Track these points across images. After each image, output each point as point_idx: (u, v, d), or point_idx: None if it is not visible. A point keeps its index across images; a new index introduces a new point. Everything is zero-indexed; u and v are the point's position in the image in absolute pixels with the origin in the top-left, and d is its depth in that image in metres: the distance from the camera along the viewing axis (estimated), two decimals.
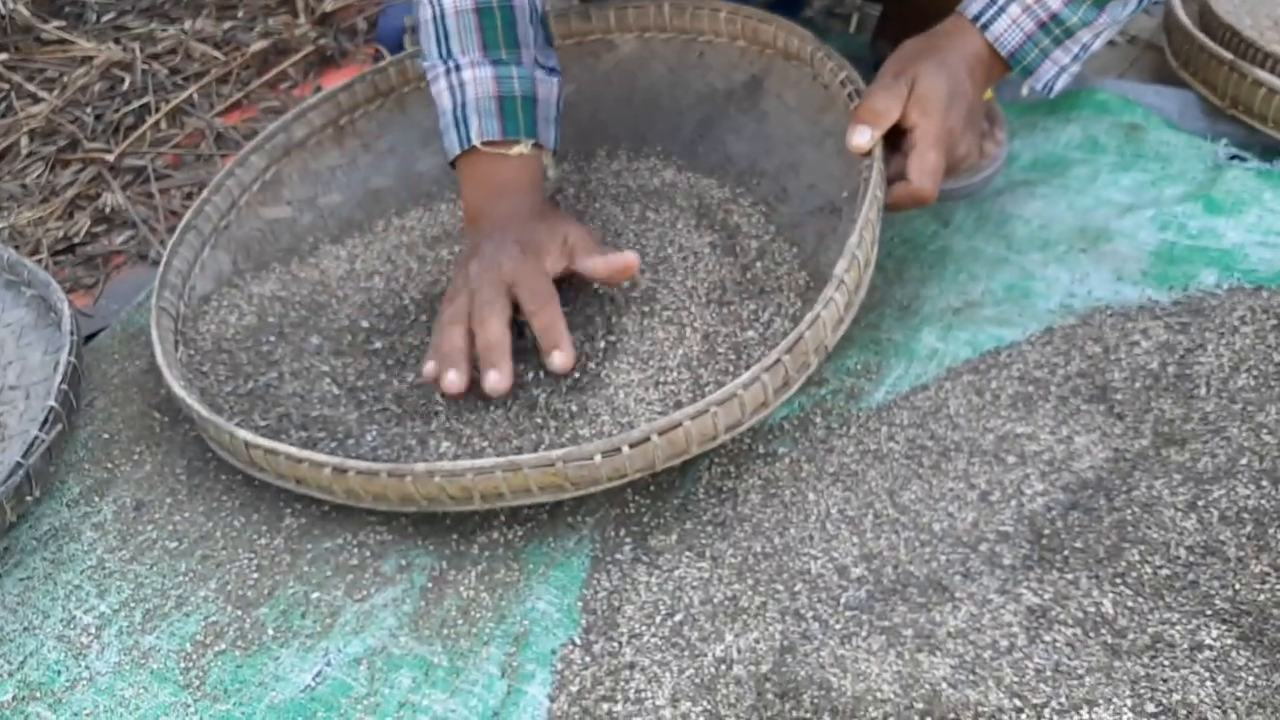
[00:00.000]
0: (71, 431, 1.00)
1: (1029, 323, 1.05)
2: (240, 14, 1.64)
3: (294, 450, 0.88)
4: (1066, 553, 0.82)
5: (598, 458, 0.83)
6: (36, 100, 1.46)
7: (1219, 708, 0.69)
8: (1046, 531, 0.84)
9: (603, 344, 1.02)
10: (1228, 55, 1.27)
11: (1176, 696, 0.70)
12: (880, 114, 0.99)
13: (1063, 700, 0.70)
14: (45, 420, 0.94)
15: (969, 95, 1.02)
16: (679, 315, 1.04)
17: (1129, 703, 0.69)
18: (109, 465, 1.00)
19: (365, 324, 1.10)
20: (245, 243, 1.18)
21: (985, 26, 1.01)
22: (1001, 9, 1.01)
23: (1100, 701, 0.69)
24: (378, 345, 1.07)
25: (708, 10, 1.22)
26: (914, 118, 0.99)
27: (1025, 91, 1.07)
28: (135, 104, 1.47)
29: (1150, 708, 0.69)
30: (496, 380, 0.92)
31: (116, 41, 1.56)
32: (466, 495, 0.85)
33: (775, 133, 1.18)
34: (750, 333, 1.01)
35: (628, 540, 0.89)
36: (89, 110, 1.45)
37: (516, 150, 1.04)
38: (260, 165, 1.20)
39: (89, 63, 1.50)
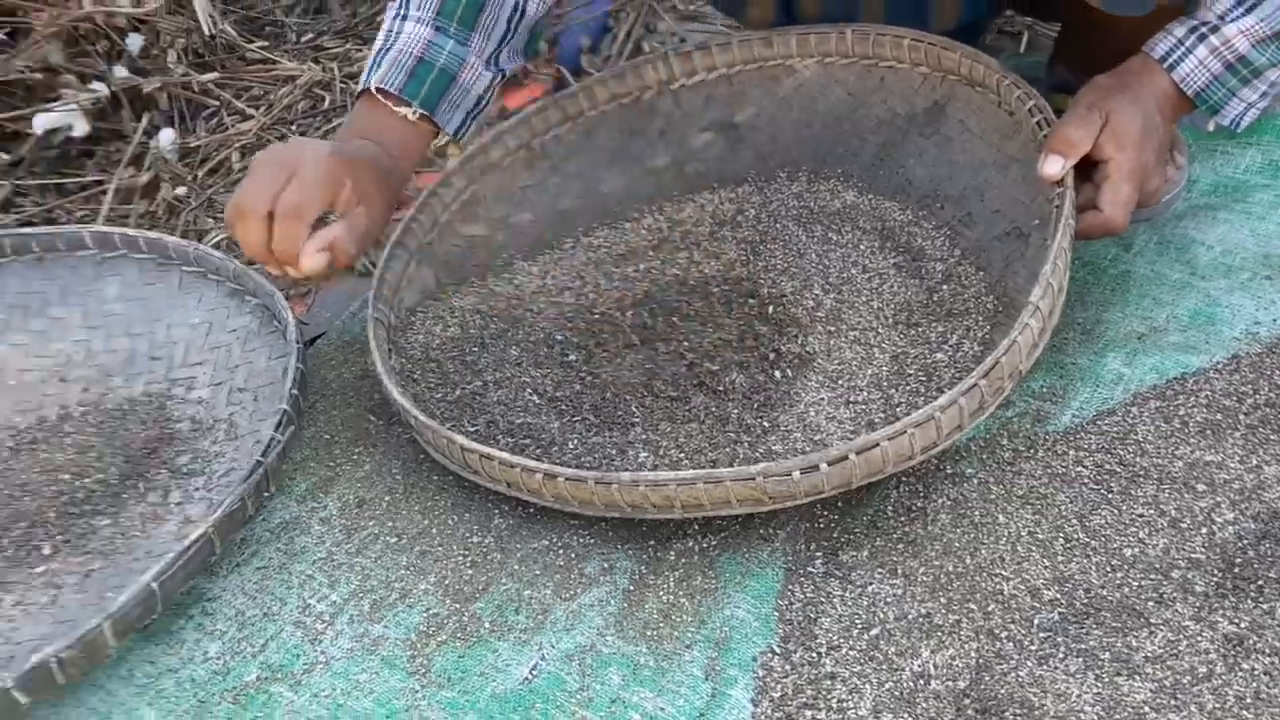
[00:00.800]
0: (298, 432, 1.08)
1: (1215, 350, 1.06)
2: None
3: (507, 456, 0.94)
4: (1260, 582, 0.84)
5: (796, 474, 0.87)
6: (245, 117, 1.56)
7: None
8: (1239, 560, 0.86)
9: (791, 362, 1.06)
10: None
11: None
12: (1074, 144, 1.02)
13: None
14: (279, 422, 1.02)
15: (1160, 131, 1.05)
16: (866, 336, 1.08)
17: None
18: (331, 464, 1.08)
19: (559, 337, 1.16)
20: (446, 259, 1.25)
21: (1172, 67, 1.04)
22: (1188, 50, 1.03)
23: None
24: (572, 358, 1.13)
25: (890, 37, 1.25)
26: (1109, 151, 1.03)
27: (1211, 127, 1.08)
28: (335, 122, 1.56)
29: None
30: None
31: (316, 61, 1.66)
32: (668, 504, 0.90)
33: (959, 158, 1.20)
34: (940, 355, 1.04)
35: (819, 554, 0.93)
36: (294, 127, 1.55)
37: (403, 110, 1.05)
38: (460, 185, 1.27)
39: (293, 82, 1.59)
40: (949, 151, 1.21)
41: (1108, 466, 0.96)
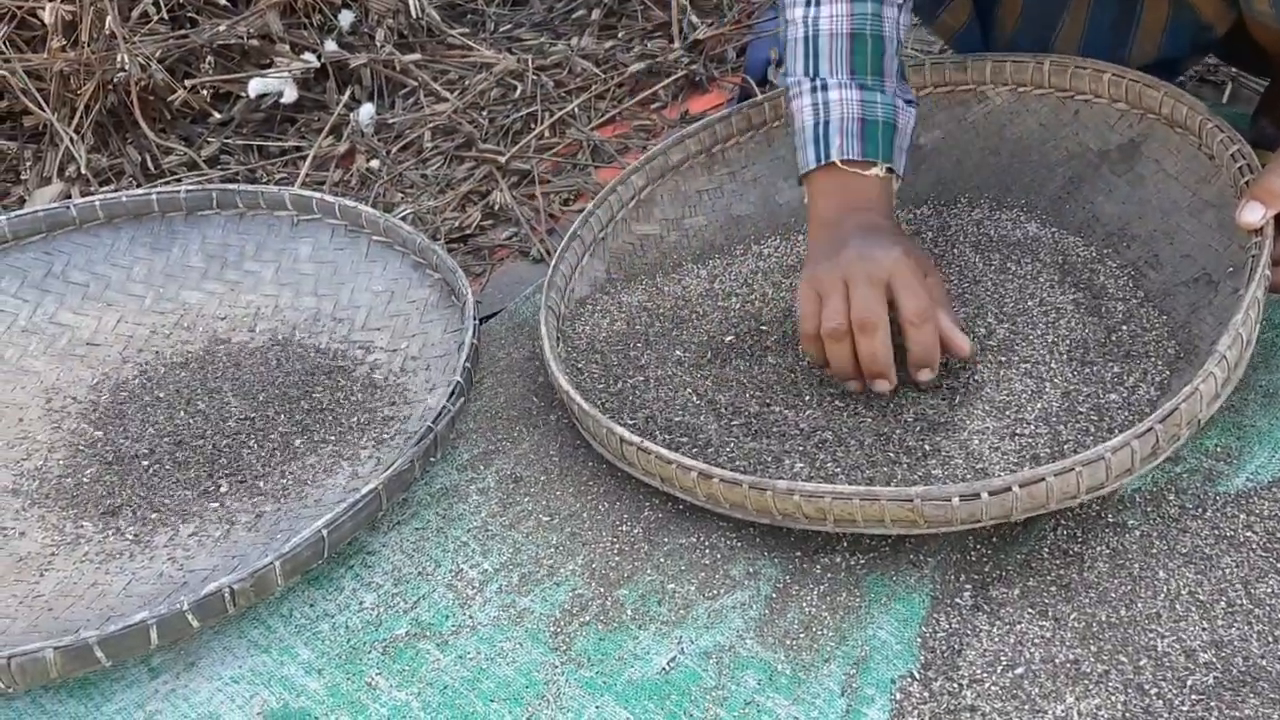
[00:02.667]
0: (466, 405, 1.12)
1: None
2: (620, 34, 1.76)
3: (664, 451, 0.96)
4: None
5: (956, 500, 0.87)
6: (440, 99, 1.62)
7: None
8: None
9: (959, 389, 1.06)
10: None
11: None
12: (1277, 194, 0.99)
13: None
14: (451, 392, 1.06)
15: None
16: (1038, 369, 1.06)
17: None
18: (493, 438, 1.12)
19: (727, 339, 1.17)
20: (618, 254, 1.28)
21: None
22: None
23: None
24: (735, 363, 1.15)
25: (1090, 70, 1.23)
26: None
27: None
28: (524, 111, 1.61)
29: None
30: (885, 387, 1.01)
31: (511, 51, 1.71)
32: (820, 516, 0.91)
33: (1151, 198, 1.18)
34: (1114, 395, 1.02)
35: (968, 586, 0.92)
36: (485, 113, 1.60)
37: (873, 171, 1.09)
38: (639, 184, 1.30)
39: (488, 70, 1.65)
40: (1141, 191, 1.18)
41: (1279, 535, 0.93)
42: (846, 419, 1.05)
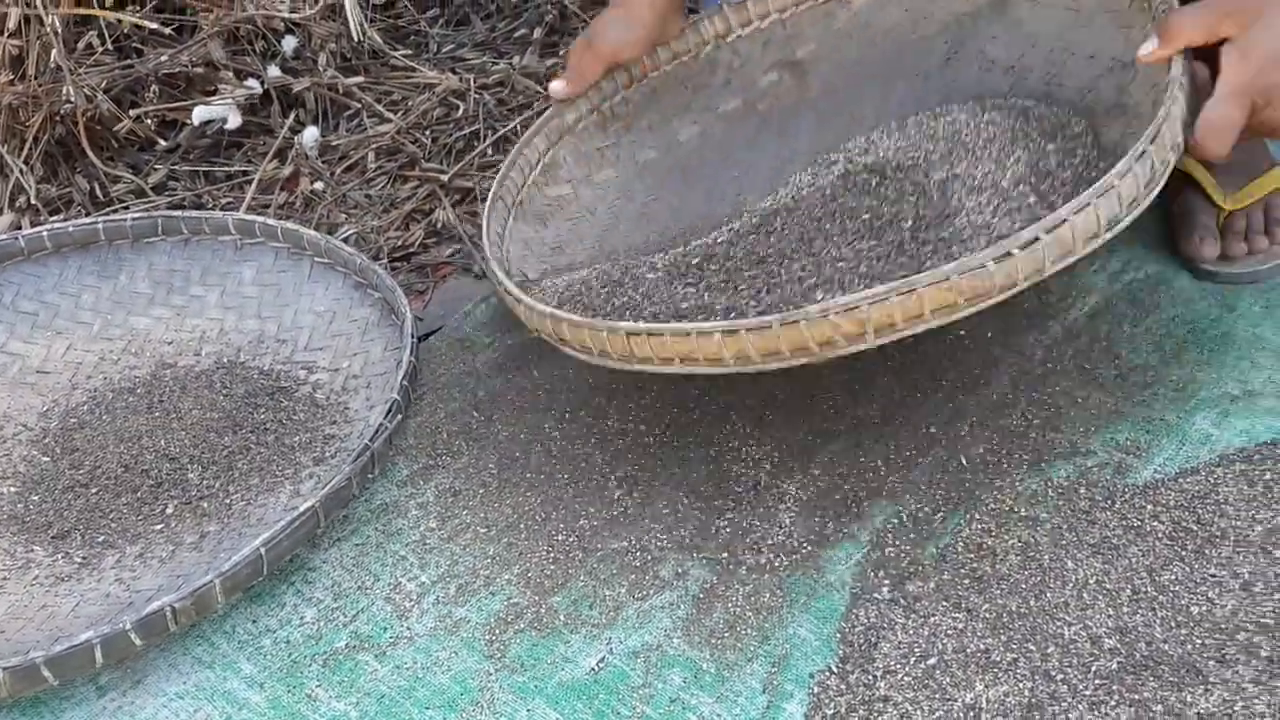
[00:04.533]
0: (405, 421, 1.15)
1: None
2: (561, 53, 1.79)
3: (679, 325, 0.91)
4: None
5: (990, 264, 0.84)
6: (384, 120, 1.65)
7: None
8: None
9: (937, 185, 1.07)
10: None
11: None
12: (1174, 35, 0.95)
13: None
14: (389, 410, 1.09)
15: None
16: (1001, 153, 1.08)
17: None
18: (432, 453, 1.15)
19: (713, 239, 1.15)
20: (539, 213, 1.26)
21: None
22: None
23: None
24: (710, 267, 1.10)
25: None
26: (1229, 58, 0.93)
27: None
28: (466, 130, 1.64)
29: None
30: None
31: (454, 71, 1.75)
32: (859, 331, 0.86)
33: (1037, 29, 1.19)
34: (1080, 153, 1.04)
35: (886, 582, 0.96)
36: (427, 133, 1.63)
37: None
38: (541, 148, 1.28)
39: (431, 90, 1.68)
40: (1024, 29, 1.20)
41: (1184, 524, 0.97)
42: (855, 241, 1.04)
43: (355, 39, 1.68)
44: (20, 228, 1.55)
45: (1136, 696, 0.83)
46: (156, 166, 1.61)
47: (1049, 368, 1.15)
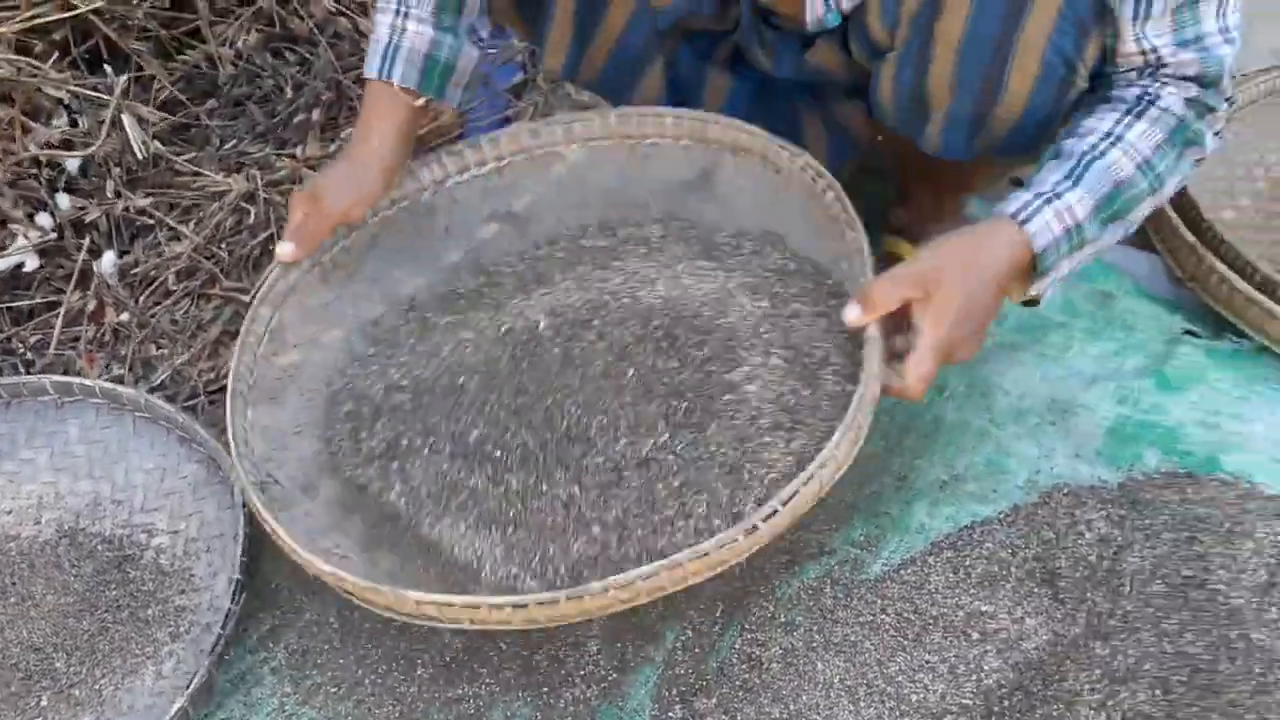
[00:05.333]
0: (247, 585, 1.29)
1: (1001, 500, 1.31)
2: (343, 133, 1.88)
3: (471, 599, 1.03)
4: None
5: (740, 538, 1.02)
6: (178, 237, 1.72)
7: None
8: (996, 709, 1.12)
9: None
10: (1190, 236, 1.50)
11: None
12: (875, 305, 1.12)
13: None
14: (233, 593, 1.24)
15: (986, 306, 1.15)
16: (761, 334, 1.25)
17: None
18: (277, 613, 1.30)
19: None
20: (274, 393, 1.30)
21: (1024, 222, 1.13)
22: (1037, 210, 1.13)
23: None
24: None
25: (651, 116, 1.39)
26: (924, 323, 1.12)
27: (1020, 297, 1.25)
28: (260, 237, 1.73)
29: None
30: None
31: (239, 169, 1.82)
32: (634, 597, 1.02)
33: (741, 207, 1.37)
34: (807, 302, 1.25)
35: (677, 700, 1.17)
36: (223, 245, 1.72)
37: (419, 101, 1.30)
38: (266, 315, 1.31)
39: (221, 198, 1.75)
40: (729, 206, 1.38)
41: (905, 615, 1.21)
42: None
43: (140, 156, 1.74)
44: None
45: None
46: None
47: None
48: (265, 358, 1.31)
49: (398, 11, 1.29)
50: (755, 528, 1.04)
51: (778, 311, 1.26)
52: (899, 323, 1.14)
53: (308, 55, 1.99)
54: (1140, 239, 1.59)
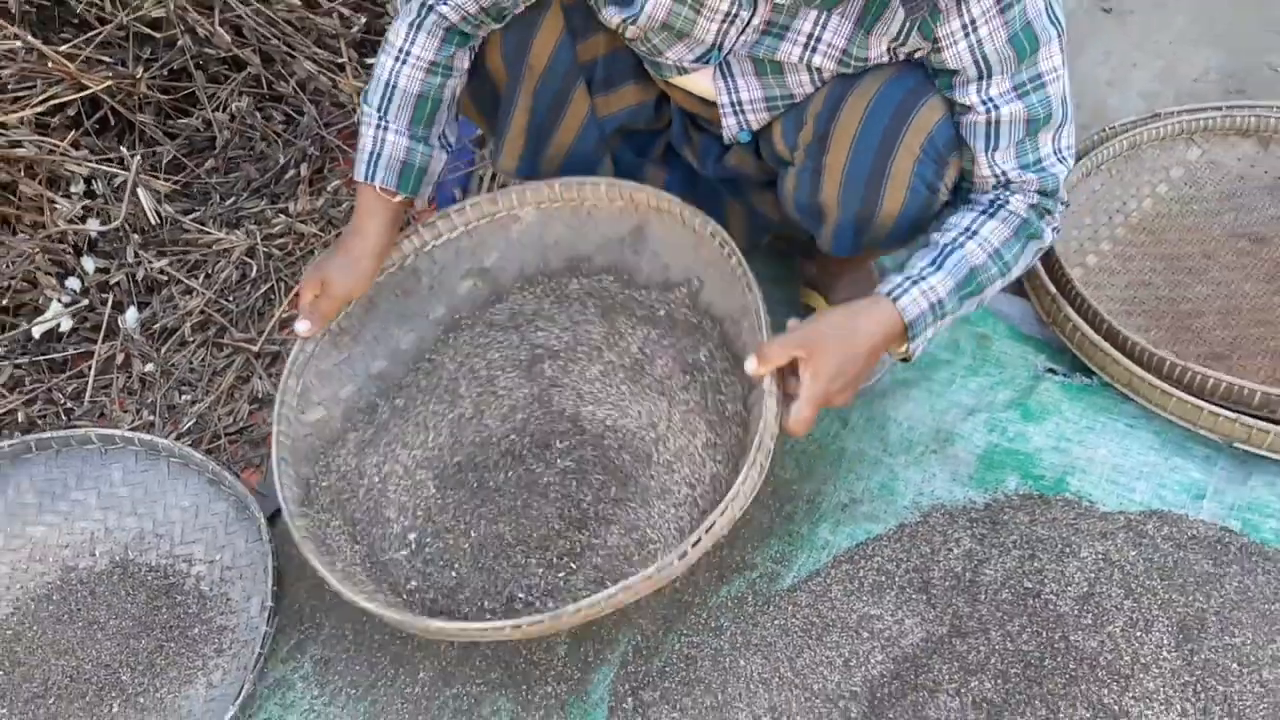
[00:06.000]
0: (278, 608, 1.57)
1: (890, 519, 1.61)
2: (328, 187, 2.14)
3: (481, 625, 1.35)
4: (892, 713, 1.41)
5: (676, 562, 1.31)
6: (190, 291, 1.98)
7: None
8: (878, 695, 1.43)
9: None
10: (1051, 287, 1.80)
11: None
12: (768, 360, 1.37)
13: None
14: (268, 616, 1.52)
15: (857, 366, 1.40)
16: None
17: None
18: (301, 629, 1.58)
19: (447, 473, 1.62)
20: (306, 452, 1.58)
21: (896, 299, 1.39)
22: (906, 290, 1.41)
23: None
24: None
25: (589, 185, 1.67)
26: (805, 378, 1.36)
27: (891, 359, 1.56)
28: (263, 288, 1.99)
29: None
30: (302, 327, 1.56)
31: (238, 224, 2.07)
32: (600, 612, 1.32)
33: (669, 261, 1.66)
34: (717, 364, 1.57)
35: (629, 695, 1.48)
36: (230, 299, 1.98)
37: (398, 199, 1.58)
38: (294, 384, 1.58)
39: (226, 255, 2.01)
40: (658, 258, 1.66)
41: (811, 618, 1.52)
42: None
43: (153, 221, 1.98)
44: None
45: None
46: (1, 366, 1.90)
47: None
48: (296, 418, 1.59)
49: (379, 125, 1.55)
50: (685, 553, 1.33)
51: (696, 379, 1.57)
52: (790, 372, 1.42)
53: (293, 114, 2.23)
54: (1015, 287, 1.88)
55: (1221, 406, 1.63)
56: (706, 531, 1.34)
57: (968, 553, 1.54)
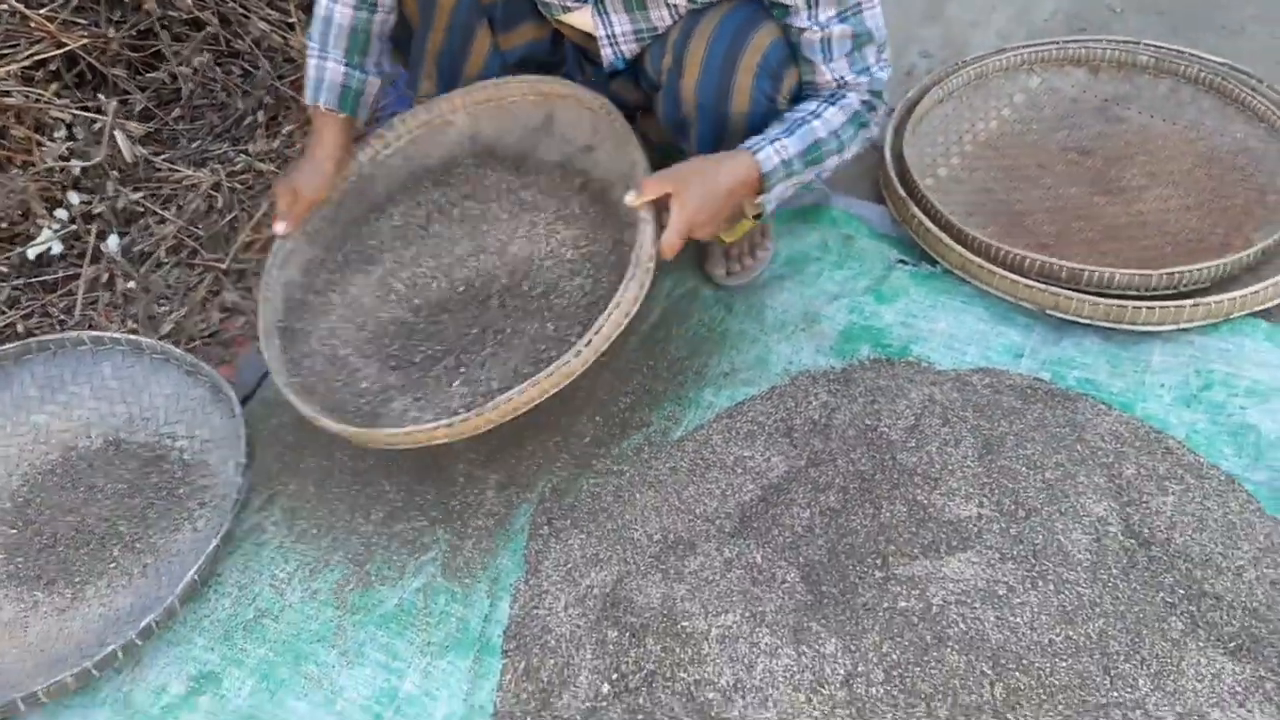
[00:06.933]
0: (250, 466, 1.87)
1: (763, 383, 1.93)
2: (283, 130, 2.43)
3: (420, 426, 1.64)
4: (758, 525, 1.72)
5: (572, 360, 1.60)
6: (162, 220, 2.27)
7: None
8: (748, 514, 1.74)
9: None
10: (902, 192, 2.12)
11: (789, 620, 1.61)
12: (645, 192, 1.66)
13: (737, 615, 1.61)
14: (241, 470, 1.82)
15: (719, 202, 1.69)
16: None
17: (786, 629, 1.61)
18: (271, 486, 1.88)
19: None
20: (289, 306, 1.92)
21: (755, 152, 1.71)
22: (762, 147, 1.73)
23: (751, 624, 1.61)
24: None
25: (507, 83, 1.98)
26: (674, 208, 1.65)
27: (751, 211, 1.86)
28: (229, 217, 2.28)
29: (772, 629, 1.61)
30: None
31: (204, 164, 2.36)
32: (518, 408, 1.61)
33: (572, 137, 1.97)
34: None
35: (545, 524, 1.79)
36: (200, 226, 2.27)
37: (340, 116, 1.88)
38: (275, 273, 1.92)
39: (194, 189, 2.29)
40: (566, 137, 1.97)
41: (698, 460, 1.83)
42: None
43: (129, 160, 2.27)
44: None
45: (664, 565, 1.70)
46: (0, 287, 2.18)
47: (634, 367, 1.98)
48: (276, 295, 1.89)
49: (320, 56, 1.86)
50: (580, 351, 1.62)
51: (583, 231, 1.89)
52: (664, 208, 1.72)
53: (249, 68, 2.52)
54: (874, 194, 2.21)
55: (1038, 281, 1.96)
56: (596, 333, 1.62)
57: (824, 404, 1.86)
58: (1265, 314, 1.94)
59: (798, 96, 1.80)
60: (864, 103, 1.78)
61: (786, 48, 1.74)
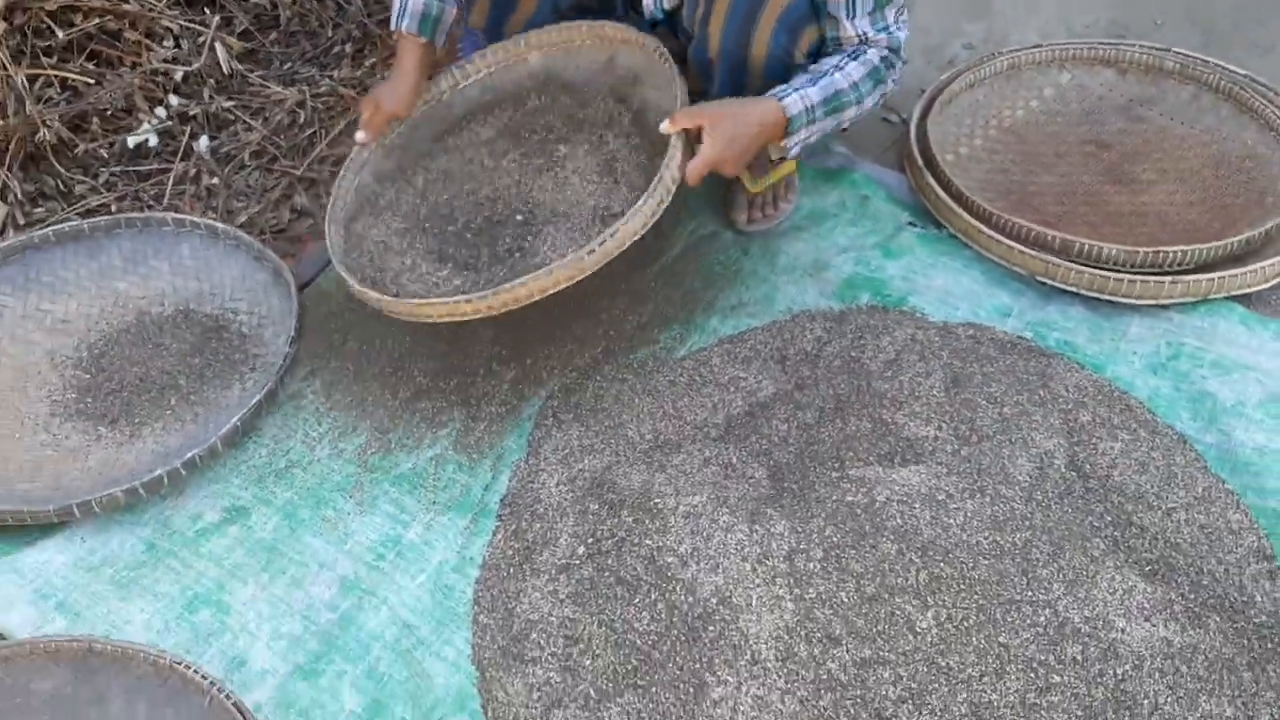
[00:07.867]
0: (298, 347, 2.09)
1: (766, 317, 2.10)
2: (368, 62, 2.66)
3: (455, 298, 1.88)
4: (739, 433, 1.90)
5: (586, 256, 1.80)
6: (250, 129, 2.51)
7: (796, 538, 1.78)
8: (734, 425, 1.92)
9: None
10: (920, 162, 2.28)
11: (778, 527, 1.78)
12: (678, 121, 1.85)
13: (725, 511, 1.79)
14: (289, 340, 2.04)
15: (746, 141, 1.87)
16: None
17: (775, 520, 1.78)
18: (314, 363, 2.10)
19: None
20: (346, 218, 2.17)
21: (781, 99, 1.89)
22: (788, 94, 1.90)
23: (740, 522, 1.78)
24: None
25: (573, 27, 2.17)
26: (705, 139, 1.84)
27: (776, 155, 2.04)
28: (309, 132, 2.51)
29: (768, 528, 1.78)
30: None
31: (292, 84, 2.60)
32: (553, 284, 1.82)
33: (629, 74, 2.16)
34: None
35: (551, 416, 1.98)
36: (282, 137, 2.50)
37: (421, 41, 2.09)
38: (351, 179, 2.16)
39: (281, 105, 2.53)
40: (626, 74, 2.16)
41: (695, 376, 2.01)
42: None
43: (225, 71, 2.52)
44: (14, 218, 2.38)
45: (653, 460, 1.88)
46: (101, 171, 2.44)
47: (650, 293, 2.16)
48: (346, 197, 2.12)
49: None
50: (593, 251, 1.81)
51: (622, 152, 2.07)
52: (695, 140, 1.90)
53: (343, 4, 2.76)
54: (896, 164, 2.38)
55: (1032, 249, 2.10)
56: (612, 236, 1.81)
57: (818, 338, 2.03)
58: (1245, 300, 2.06)
59: (815, 54, 1.98)
60: (883, 59, 1.95)
61: (807, 6, 1.92)
